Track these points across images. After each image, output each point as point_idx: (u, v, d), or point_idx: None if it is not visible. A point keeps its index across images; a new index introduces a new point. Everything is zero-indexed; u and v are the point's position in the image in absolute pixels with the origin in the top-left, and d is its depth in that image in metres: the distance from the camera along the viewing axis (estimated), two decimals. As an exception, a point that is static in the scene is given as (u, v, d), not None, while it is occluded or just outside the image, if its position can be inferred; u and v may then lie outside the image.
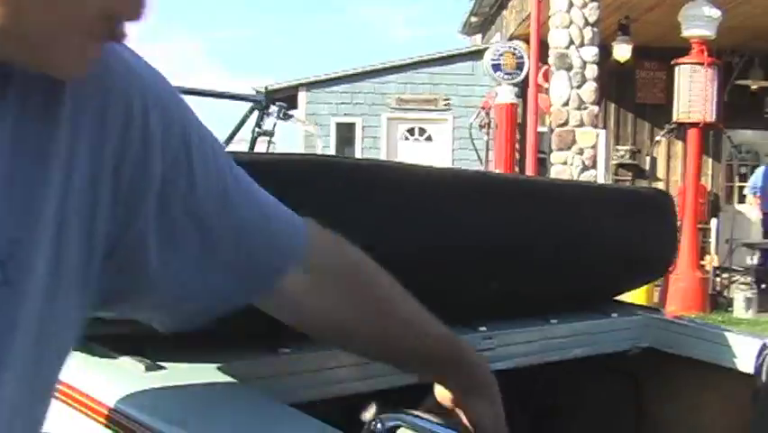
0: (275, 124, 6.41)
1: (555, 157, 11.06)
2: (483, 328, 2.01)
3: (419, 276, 1.87)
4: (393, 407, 1.27)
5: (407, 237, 1.81)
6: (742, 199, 14.59)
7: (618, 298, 2.60)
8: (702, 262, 11.71)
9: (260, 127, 6.29)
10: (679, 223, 12.32)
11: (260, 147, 6.30)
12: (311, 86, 17.09)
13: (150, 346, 1.50)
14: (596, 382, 2.46)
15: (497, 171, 11.05)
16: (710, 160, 15.08)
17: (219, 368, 1.50)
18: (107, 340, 1.51)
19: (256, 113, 6.38)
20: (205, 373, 1.48)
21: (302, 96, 17.03)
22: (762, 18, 12.35)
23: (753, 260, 12.37)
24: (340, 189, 1.69)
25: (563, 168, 11.02)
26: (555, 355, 2.20)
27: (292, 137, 16.84)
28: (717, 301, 11.45)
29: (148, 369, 1.46)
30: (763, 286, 11.80)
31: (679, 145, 15.15)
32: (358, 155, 17.03)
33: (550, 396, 2.63)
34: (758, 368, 2.28)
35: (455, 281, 1.97)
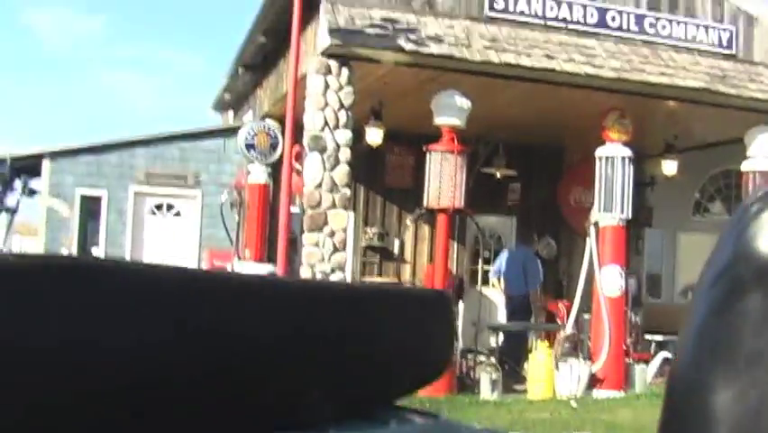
0: (18, 201, 5.94)
1: (307, 238, 10.97)
2: None
3: (169, 396, 1.63)
4: None
5: (151, 348, 1.56)
6: (486, 282, 15.05)
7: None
8: (448, 344, 11.88)
9: (1, 203, 5.81)
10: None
11: (0, 223, 5.82)
12: (55, 155, 16.35)
13: None
14: None
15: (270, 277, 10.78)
16: (456, 243, 15.50)
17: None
18: None
19: (-1, 186, 5.89)
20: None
21: (46, 165, 16.24)
22: (506, 109, 12.91)
23: (497, 342, 12.72)
24: (117, 293, 1.43)
25: (315, 249, 10.94)
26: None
27: (33, 211, 15.99)
28: (465, 383, 11.62)
29: None
30: (507, 367, 12.13)
31: (426, 229, 15.50)
32: (103, 228, 16.37)
33: None
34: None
35: (208, 399, 1.72)
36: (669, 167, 15.25)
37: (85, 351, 1.41)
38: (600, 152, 11.98)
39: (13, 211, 5.84)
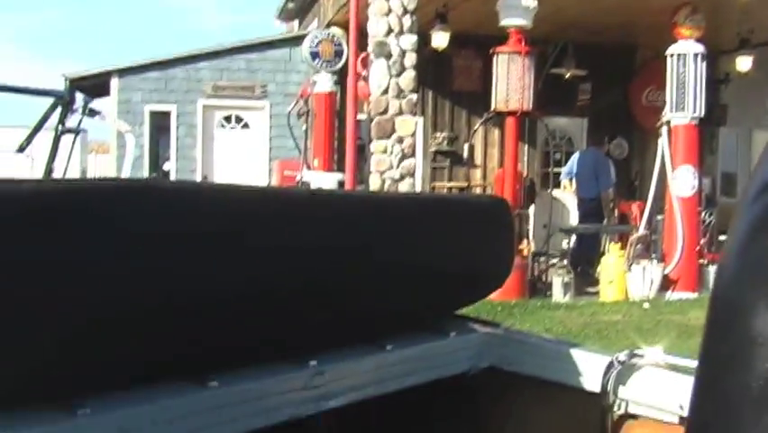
0: (80, 121, 5.98)
1: (375, 146, 10.94)
2: (314, 363, 1.77)
3: (243, 310, 1.64)
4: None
5: (227, 270, 1.57)
6: (558, 185, 14.92)
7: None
8: (520, 247, 11.85)
9: (63, 125, 5.85)
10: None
11: (65, 145, 5.88)
12: (123, 72, 16.45)
13: None
14: (435, 405, 2.26)
15: (321, 188, 10.81)
16: (526, 146, 15.36)
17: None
18: None
19: (60, 108, 5.92)
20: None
21: (114, 83, 16.37)
22: (574, 8, 12.61)
23: (569, 245, 12.66)
24: (148, 220, 1.43)
25: (383, 156, 10.91)
26: (392, 385, 1.99)
27: (104, 132, 16.21)
28: (536, 287, 11.62)
29: None
30: (579, 270, 12.08)
31: (496, 132, 15.37)
32: (173, 144, 16.51)
33: (387, 426, 2.44)
34: (605, 386, 2.14)
35: (282, 313, 1.73)
36: (743, 63, 14.82)
37: (157, 273, 1.41)
38: (672, 49, 11.65)
39: (76, 132, 5.89)
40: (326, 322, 1.86)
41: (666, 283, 11.22)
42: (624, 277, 11.08)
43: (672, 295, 11.15)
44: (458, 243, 2.24)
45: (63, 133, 5.83)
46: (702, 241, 12.20)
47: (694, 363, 2.08)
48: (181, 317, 1.49)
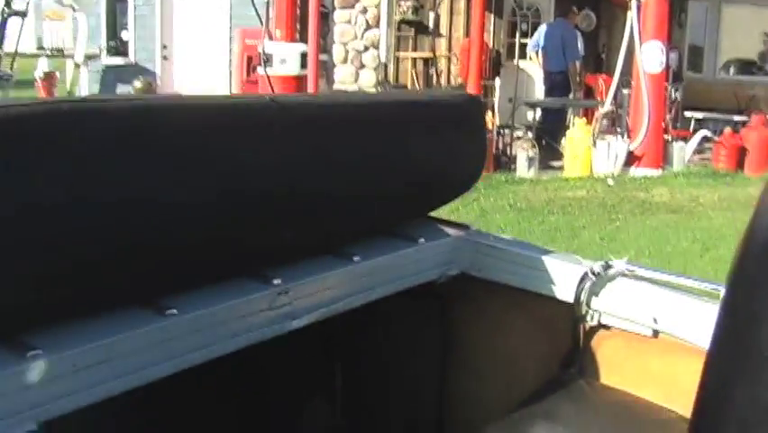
0: (27, 3, 5.71)
1: (339, 16, 10.67)
2: (278, 281, 1.68)
3: (202, 227, 1.54)
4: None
5: (187, 186, 1.46)
6: (524, 56, 14.71)
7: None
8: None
9: (9, 6, 5.57)
10: (463, 82, 12.30)
11: (14, 28, 5.62)
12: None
13: None
14: (404, 315, 2.19)
15: (283, 94, 10.51)
16: (493, 16, 15.07)
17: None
18: None
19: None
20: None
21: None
22: None
23: (534, 118, 12.56)
24: (101, 139, 1.31)
25: (347, 27, 10.67)
26: (361, 298, 1.91)
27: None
28: (500, 161, 11.57)
29: None
30: (544, 143, 12.03)
31: (462, 1, 15.04)
32: (130, 13, 16.06)
33: (356, 339, 2.38)
34: (578, 297, 2.08)
35: (242, 229, 1.63)
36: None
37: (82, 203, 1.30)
38: None
39: (23, 15, 5.62)
40: (290, 236, 1.76)
41: (631, 159, 11.21)
42: (589, 152, 11.05)
43: (636, 171, 11.16)
44: (428, 145, 2.14)
45: (10, 15, 5.57)
46: (668, 117, 12.15)
47: (669, 277, 2.03)
48: (132, 240, 1.39)
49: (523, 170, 11.10)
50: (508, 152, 11.99)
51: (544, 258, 2.15)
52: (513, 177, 10.85)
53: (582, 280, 2.05)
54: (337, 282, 1.83)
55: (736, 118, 13.22)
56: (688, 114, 13.52)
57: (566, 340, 2.13)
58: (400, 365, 2.45)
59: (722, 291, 2.00)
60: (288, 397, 2.51)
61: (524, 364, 2.28)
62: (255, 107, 1.58)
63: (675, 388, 2.00)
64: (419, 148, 2.11)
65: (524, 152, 11.28)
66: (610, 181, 10.55)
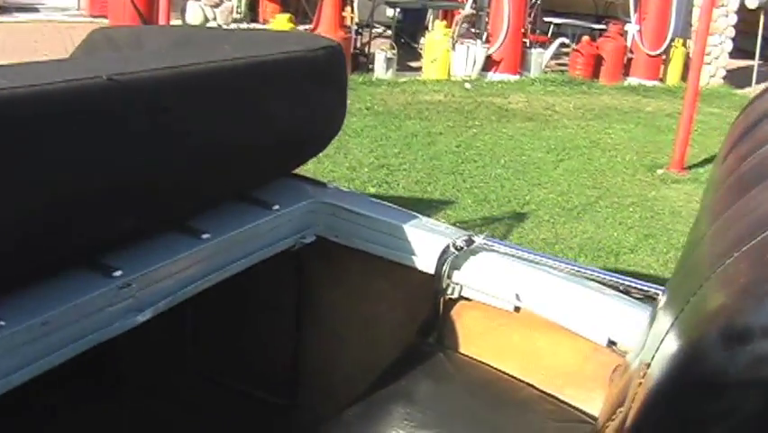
0: None
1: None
2: (118, 272, 1.54)
3: (34, 219, 1.38)
4: None
5: (11, 180, 1.29)
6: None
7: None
8: (344, 15, 11.46)
9: None
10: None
11: None
12: None
13: None
14: (258, 274, 2.05)
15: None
16: None
17: None
18: None
19: None
20: None
21: None
22: None
23: (394, 17, 12.37)
24: None
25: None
26: (212, 279, 1.79)
27: None
28: (359, 60, 11.38)
29: None
30: (403, 42, 11.88)
31: None
32: None
33: (211, 317, 2.26)
34: (439, 270, 2.01)
35: (76, 217, 1.47)
36: None
37: None
38: None
39: None
40: (133, 221, 1.62)
41: (489, 64, 11.21)
42: (447, 55, 10.98)
43: (493, 76, 11.17)
44: (287, 104, 2.00)
45: None
46: (527, 22, 12.16)
47: (531, 255, 1.97)
48: None
49: (381, 71, 10.95)
50: (367, 51, 11.80)
51: (406, 226, 2.07)
52: (371, 78, 10.70)
53: (444, 253, 1.98)
54: (185, 265, 1.70)
55: (595, 26, 13.36)
56: (547, 19, 13.56)
57: (426, 310, 2.07)
58: (256, 324, 2.36)
59: (583, 271, 1.97)
60: (142, 368, 2.41)
61: (382, 329, 2.21)
62: (92, 91, 1.41)
63: (534, 362, 1.98)
64: (278, 108, 1.97)
65: (382, 53, 11.12)
66: (468, 86, 10.54)
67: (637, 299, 1.87)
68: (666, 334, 0.81)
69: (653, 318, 1.52)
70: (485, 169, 7.16)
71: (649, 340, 0.95)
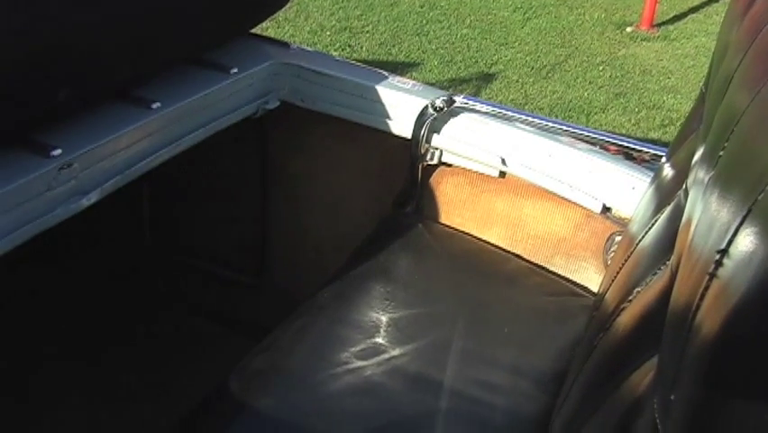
0: None
1: None
2: (57, 151, 1.34)
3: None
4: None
5: None
6: None
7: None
8: None
9: None
10: None
11: None
12: None
13: None
14: (219, 141, 1.86)
15: None
16: None
17: None
18: None
19: None
20: None
21: None
22: None
23: None
24: None
25: None
26: (165, 154, 1.60)
27: None
28: None
29: None
30: None
31: None
32: None
33: (170, 192, 2.07)
34: (416, 134, 1.83)
35: (9, 92, 1.28)
36: None
37: None
38: None
39: None
40: (69, 89, 1.42)
41: None
42: None
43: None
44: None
45: None
46: None
47: (518, 114, 1.80)
48: None
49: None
50: None
51: (378, 87, 1.87)
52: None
53: (422, 115, 1.80)
54: (134, 140, 1.51)
55: None
56: None
57: (403, 178, 1.90)
58: (218, 200, 2.18)
59: (574, 131, 1.80)
60: (99, 252, 2.24)
61: (355, 201, 2.05)
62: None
63: (521, 231, 1.83)
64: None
65: None
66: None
67: (630, 159, 1.72)
68: (743, 220, 0.64)
69: (655, 184, 1.37)
70: (450, 29, 6.91)
71: (704, 223, 0.76)
